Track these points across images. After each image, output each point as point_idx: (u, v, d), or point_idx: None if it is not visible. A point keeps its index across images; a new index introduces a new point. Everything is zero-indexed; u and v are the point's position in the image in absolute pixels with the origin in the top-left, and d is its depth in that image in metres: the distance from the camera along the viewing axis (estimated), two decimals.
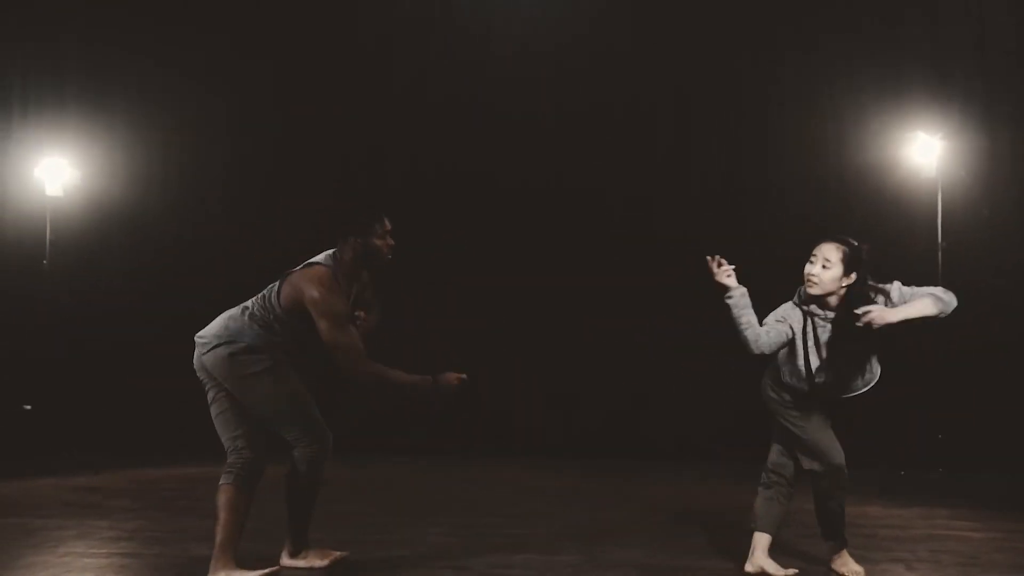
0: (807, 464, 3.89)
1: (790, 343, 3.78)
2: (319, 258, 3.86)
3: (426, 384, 3.71)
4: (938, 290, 3.73)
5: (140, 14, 7.79)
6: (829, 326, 3.76)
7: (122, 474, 6.40)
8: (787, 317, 3.81)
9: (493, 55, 7.70)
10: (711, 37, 7.45)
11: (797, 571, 3.91)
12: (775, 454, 3.97)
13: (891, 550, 4.32)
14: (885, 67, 7.08)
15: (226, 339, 3.78)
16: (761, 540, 3.92)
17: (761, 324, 3.75)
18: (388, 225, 3.92)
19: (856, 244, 3.73)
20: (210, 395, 3.84)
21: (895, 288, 3.73)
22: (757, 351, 3.70)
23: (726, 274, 3.74)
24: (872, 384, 3.83)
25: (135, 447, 7.25)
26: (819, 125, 7.14)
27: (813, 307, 3.79)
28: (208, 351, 3.80)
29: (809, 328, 3.78)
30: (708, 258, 3.72)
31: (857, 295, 3.68)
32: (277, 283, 3.85)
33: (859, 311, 3.55)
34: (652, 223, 7.43)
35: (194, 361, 3.85)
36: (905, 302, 3.67)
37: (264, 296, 3.86)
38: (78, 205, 7.43)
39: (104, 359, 7.55)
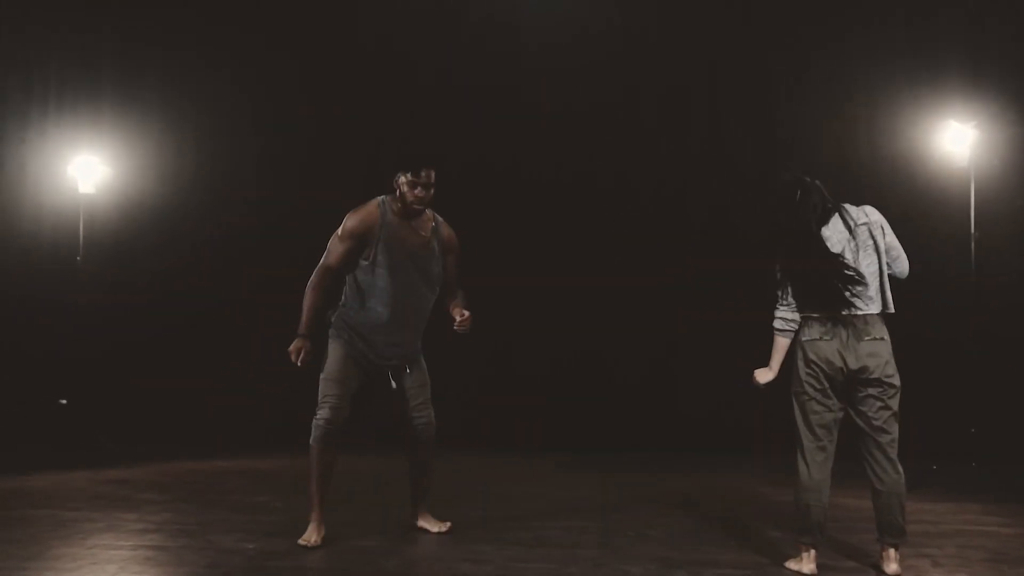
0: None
1: None
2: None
3: (298, 332, 4.12)
4: None
5: (172, 7, 7.87)
6: None
7: (153, 467, 6.47)
8: None
9: (521, 46, 7.66)
10: (742, 25, 7.37)
11: None
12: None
13: (919, 546, 4.26)
14: (917, 55, 6.96)
15: None
16: None
17: None
18: (423, 176, 4.11)
19: None
20: None
21: None
22: None
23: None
24: None
25: (167, 440, 7.33)
26: (851, 114, 7.04)
27: None
28: None
29: None
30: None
31: None
32: None
33: None
34: (682, 215, 7.38)
35: None
36: None
37: None
38: (111, 202, 7.55)
39: (136, 354, 7.65)
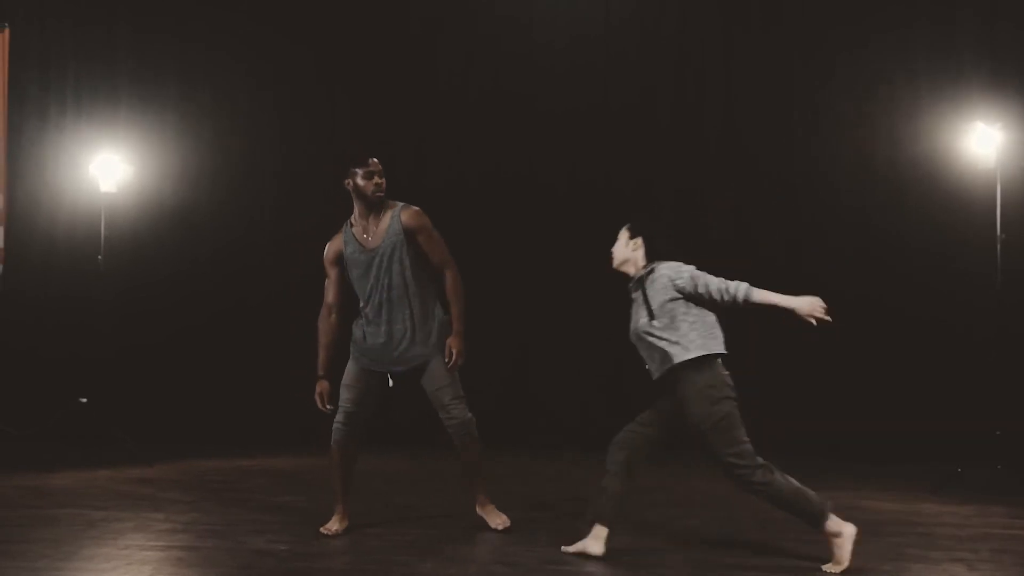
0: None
1: None
2: None
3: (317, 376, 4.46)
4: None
5: (194, 3, 7.83)
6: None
7: (173, 466, 6.48)
8: None
9: (536, 45, 7.60)
10: (763, 23, 7.32)
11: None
12: None
13: (951, 549, 4.25)
14: (943, 55, 6.90)
15: None
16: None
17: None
18: (372, 164, 4.38)
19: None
20: None
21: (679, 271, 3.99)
22: None
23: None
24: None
25: (185, 439, 7.31)
26: (874, 114, 6.98)
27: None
28: None
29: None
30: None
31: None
32: None
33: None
34: (703, 215, 7.35)
35: None
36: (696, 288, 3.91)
37: None
38: (132, 202, 7.53)
39: (155, 353, 7.62)
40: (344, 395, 4.49)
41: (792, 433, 6.70)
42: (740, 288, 3.89)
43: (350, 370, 4.51)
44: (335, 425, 4.49)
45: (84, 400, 7.00)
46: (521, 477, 6.18)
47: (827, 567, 3.90)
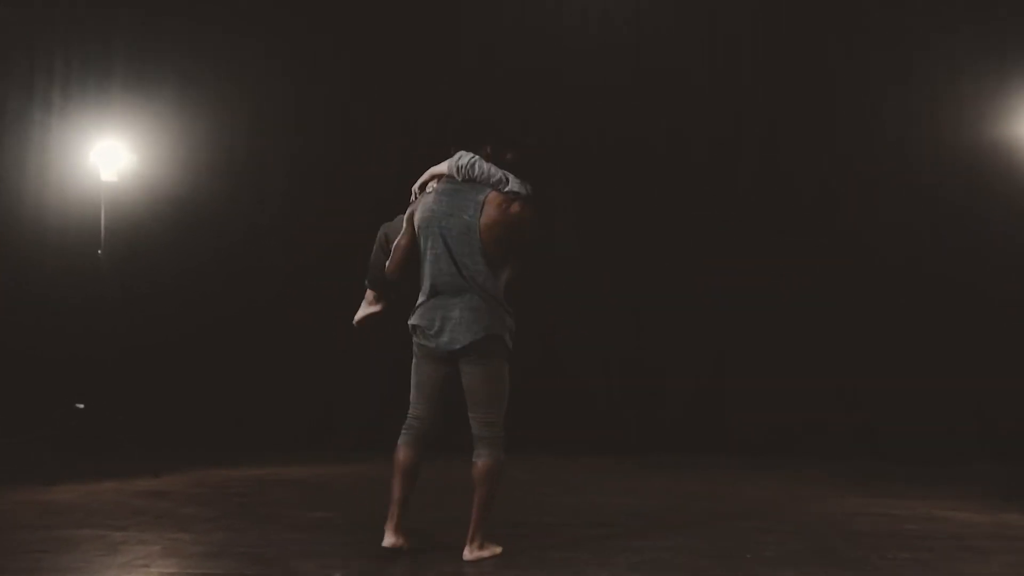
0: None
1: None
2: None
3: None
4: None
5: None
6: None
7: (182, 476, 6.01)
8: None
9: (565, 23, 7.33)
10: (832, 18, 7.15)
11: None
12: None
13: None
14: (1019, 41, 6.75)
15: None
16: None
17: None
18: None
19: None
20: None
21: None
22: None
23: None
24: None
25: (185, 446, 6.87)
26: (952, 99, 6.81)
27: None
28: None
29: None
30: None
31: None
32: None
33: None
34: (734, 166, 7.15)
35: None
36: None
37: None
38: (134, 191, 7.03)
39: (153, 355, 7.15)
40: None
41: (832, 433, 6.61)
42: None
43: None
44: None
45: (81, 406, 6.54)
46: (544, 482, 5.86)
47: None
